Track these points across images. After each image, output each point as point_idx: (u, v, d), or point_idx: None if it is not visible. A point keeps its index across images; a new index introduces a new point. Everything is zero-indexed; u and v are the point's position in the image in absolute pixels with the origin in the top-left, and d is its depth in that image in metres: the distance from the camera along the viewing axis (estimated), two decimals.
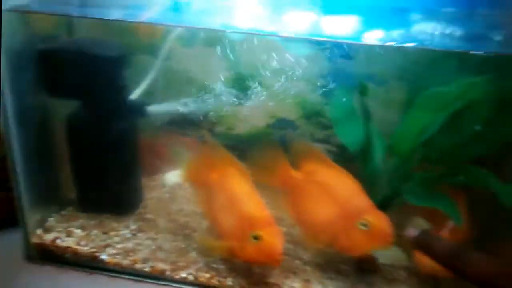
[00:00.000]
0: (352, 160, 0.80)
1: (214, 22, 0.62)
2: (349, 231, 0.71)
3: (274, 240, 0.68)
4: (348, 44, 0.75)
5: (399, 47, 0.56)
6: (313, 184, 0.75)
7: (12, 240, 0.79)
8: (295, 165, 0.78)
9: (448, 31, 0.57)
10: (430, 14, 0.58)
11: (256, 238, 0.68)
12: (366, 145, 0.75)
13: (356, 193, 0.72)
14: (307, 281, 0.75)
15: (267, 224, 0.69)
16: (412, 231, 0.65)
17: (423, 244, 0.64)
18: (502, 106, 0.64)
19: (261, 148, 0.79)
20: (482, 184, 0.70)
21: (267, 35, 0.63)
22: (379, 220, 0.70)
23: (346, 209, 0.72)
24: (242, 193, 0.73)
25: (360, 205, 0.71)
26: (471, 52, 0.55)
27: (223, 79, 0.84)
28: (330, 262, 0.79)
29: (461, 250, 0.60)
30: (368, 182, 0.80)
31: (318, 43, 0.78)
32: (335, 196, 0.73)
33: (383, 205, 0.79)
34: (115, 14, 0.62)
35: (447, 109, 0.64)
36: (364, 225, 0.70)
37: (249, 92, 0.79)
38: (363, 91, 0.72)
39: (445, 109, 0.64)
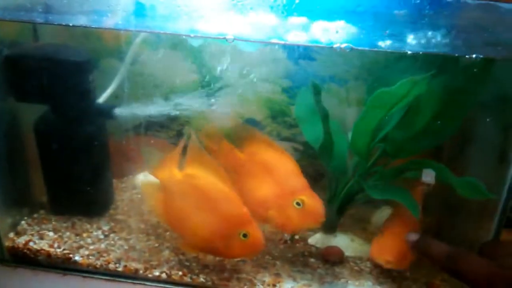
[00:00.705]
0: (316, 157, 0.84)
1: (180, 26, 0.63)
2: (285, 209, 0.74)
3: (259, 235, 0.71)
4: (310, 46, 0.78)
5: (353, 49, 0.59)
6: (255, 163, 0.79)
7: None
8: (240, 147, 0.81)
9: (398, 33, 0.60)
10: (382, 16, 0.60)
11: (244, 235, 0.70)
12: (326, 142, 0.77)
13: (293, 173, 0.76)
14: (277, 275, 0.77)
15: (251, 221, 0.72)
16: (411, 236, 0.69)
17: (422, 248, 0.67)
18: (446, 101, 0.68)
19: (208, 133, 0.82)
20: (438, 177, 0.74)
21: (234, 39, 0.65)
22: (313, 200, 0.74)
23: (283, 188, 0.75)
24: (221, 192, 0.73)
25: (296, 185, 0.75)
26: (409, 52, 0.58)
27: (190, 82, 0.86)
28: (299, 256, 0.82)
29: (459, 254, 0.62)
30: (332, 178, 0.84)
31: (282, 46, 0.81)
32: (274, 175, 0.77)
33: (347, 199, 0.83)
34: (80, 20, 0.63)
35: (395, 106, 0.68)
36: (299, 204, 0.73)
37: (216, 94, 0.81)
38: (316, 90, 0.74)
39: (393, 106, 0.67)
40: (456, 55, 0.65)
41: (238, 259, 0.79)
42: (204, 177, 0.73)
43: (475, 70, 0.66)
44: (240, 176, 0.79)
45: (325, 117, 0.74)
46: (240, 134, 0.81)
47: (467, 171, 0.78)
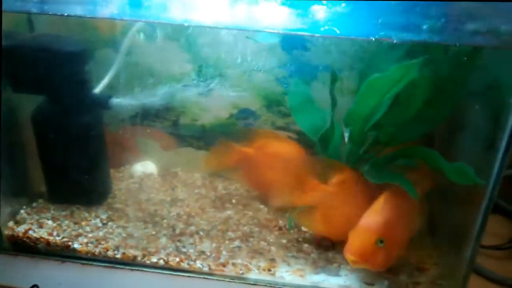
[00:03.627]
0: (310, 145, 0.86)
1: (175, 16, 0.64)
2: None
3: None
4: (304, 36, 0.79)
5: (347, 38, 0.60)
6: (264, 155, 0.87)
7: None
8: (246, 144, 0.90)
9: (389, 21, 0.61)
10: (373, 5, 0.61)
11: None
12: (329, 131, 0.80)
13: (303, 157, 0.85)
14: (272, 260, 0.79)
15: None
16: None
17: None
18: (436, 89, 0.70)
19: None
20: (430, 163, 0.76)
21: (228, 28, 0.66)
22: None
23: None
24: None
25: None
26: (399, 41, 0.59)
27: (185, 71, 0.87)
28: (293, 242, 0.84)
29: None
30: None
31: (276, 35, 0.82)
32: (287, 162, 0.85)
33: None
34: (75, 9, 0.63)
35: (389, 92, 0.69)
36: None
37: (211, 83, 0.82)
38: (334, 79, 0.76)
39: (387, 92, 0.68)
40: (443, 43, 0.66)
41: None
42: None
43: (464, 58, 0.68)
44: (251, 169, 0.89)
45: (333, 106, 0.76)
46: (244, 135, 0.91)
47: (456, 157, 0.80)
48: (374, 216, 0.72)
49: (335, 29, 0.59)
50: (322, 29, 0.59)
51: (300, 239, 0.85)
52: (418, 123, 0.73)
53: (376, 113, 0.72)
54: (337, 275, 0.77)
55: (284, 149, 0.88)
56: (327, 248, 0.83)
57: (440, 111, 0.72)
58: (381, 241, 0.69)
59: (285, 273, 0.77)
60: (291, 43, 0.83)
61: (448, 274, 0.77)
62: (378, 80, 0.67)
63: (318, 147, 0.84)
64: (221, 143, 0.90)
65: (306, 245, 0.84)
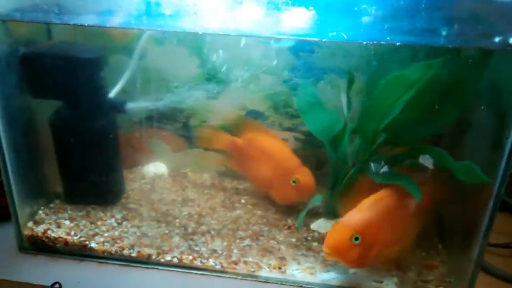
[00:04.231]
0: (318, 146, 0.87)
1: (185, 24, 0.66)
2: (284, 186, 0.90)
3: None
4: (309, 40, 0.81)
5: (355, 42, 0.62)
6: (253, 148, 0.93)
7: (6, 233, 0.84)
8: (237, 134, 0.96)
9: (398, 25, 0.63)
10: (383, 9, 0.63)
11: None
12: (341, 132, 0.82)
13: (288, 156, 0.91)
14: (282, 258, 0.81)
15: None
16: None
17: None
18: (446, 91, 0.71)
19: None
20: (439, 162, 0.77)
21: (236, 35, 0.68)
22: (306, 177, 0.89)
23: (281, 169, 0.91)
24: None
25: (291, 166, 0.90)
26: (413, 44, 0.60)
27: (195, 75, 0.89)
28: (302, 241, 0.85)
29: None
30: (334, 165, 0.88)
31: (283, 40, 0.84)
32: (272, 158, 0.92)
33: (348, 186, 0.86)
34: (91, 19, 0.66)
35: (408, 92, 0.69)
36: (294, 182, 0.89)
37: (220, 86, 0.84)
38: (350, 80, 0.78)
39: (406, 91, 0.69)
40: (450, 46, 0.67)
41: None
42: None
43: (470, 60, 0.69)
44: (240, 158, 0.95)
45: (349, 107, 0.78)
46: (238, 124, 0.95)
47: (463, 156, 0.81)
48: (356, 214, 0.73)
49: (343, 34, 0.61)
50: (330, 34, 0.61)
51: (309, 238, 0.86)
52: (430, 124, 0.74)
53: (391, 113, 0.71)
54: (346, 273, 0.79)
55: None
56: None
57: (452, 111, 0.73)
58: (356, 239, 0.70)
59: (295, 271, 0.79)
60: (300, 46, 0.85)
61: (457, 272, 0.78)
62: (397, 78, 0.67)
63: (328, 147, 0.86)
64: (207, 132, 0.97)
65: (315, 244, 0.85)
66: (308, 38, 0.61)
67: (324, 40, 0.61)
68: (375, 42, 0.63)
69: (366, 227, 0.71)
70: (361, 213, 0.73)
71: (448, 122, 0.75)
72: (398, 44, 0.62)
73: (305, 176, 0.89)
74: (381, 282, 0.77)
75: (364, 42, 0.61)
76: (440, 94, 0.71)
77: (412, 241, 0.79)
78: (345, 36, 0.61)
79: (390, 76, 0.69)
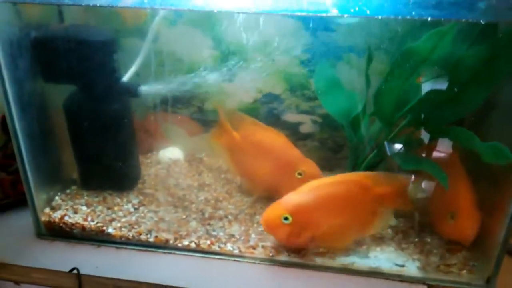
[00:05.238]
0: (336, 129, 0.85)
1: (199, 2, 0.64)
2: (289, 180, 0.84)
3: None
4: (329, 17, 0.78)
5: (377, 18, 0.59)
6: (250, 144, 0.89)
7: (23, 219, 0.84)
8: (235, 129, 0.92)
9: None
10: None
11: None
12: (360, 113, 0.79)
13: (290, 149, 0.87)
14: None
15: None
16: None
17: None
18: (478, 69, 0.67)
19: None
20: (465, 144, 0.74)
21: (252, 13, 0.65)
22: (311, 168, 0.86)
23: (284, 163, 0.86)
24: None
25: (295, 159, 0.86)
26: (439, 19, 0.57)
27: (209, 58, 0.87)
28: None
29: None
30: (353, 149, 0.86)
31: (300, 18, 0.81)
32: (273, 153, 0.88)
33: (369, 170, 0.85)
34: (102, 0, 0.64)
35: (423, 65, 0.67)
36: (300, 174, 0.85)
37: (235, 69, 0.82)
38: (369, 59, 0.75)
39: (421, 63, 0.67)
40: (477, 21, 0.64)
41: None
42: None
43: (500, 35, 0.66)
44: (236, 154, 0.90)
45: (368, 87, 0.75)
46: (232, 119, 0.91)
47: (490, 137, 0.78)
48: (293, 195, 0.76)
49: (365, 9, 0.58)
50: (352, 10, 0.58)
51: None
52: (459, 105, 0.71)
53: (411, 92, 0.69)
54: (366, 257, 0.78)
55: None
56: None
57: (483, 91, 0.70)
58: (286, 218, 0.74)
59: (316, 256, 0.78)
60: (315, 25, 0.82)
61: (481, 256, 0.76)
62: (411, 50, 0.65)
63: (347, 130, 0.83)
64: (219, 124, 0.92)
65: None
66: (329, 14, 0.58)
67: (345, 15, 0.58)
68: (399, 17, 0.59)
69: (298, 209, 0.74)
70: (297, 195, 0.76)
71: (478, 102, 0.72)
72: (425, 18, 0.59)
73: (310, 167, 0.86)
74: (403, 266, 0.76)
75: (391, 17, 0.57)
76: (471, 73, 0.68)
77: (358, 234, 0.79)
78: (368, 12, 0.58)
79: (404, 48, 0.67)
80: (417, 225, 0.84)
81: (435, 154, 0.83)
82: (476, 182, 0.79)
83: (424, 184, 0.87)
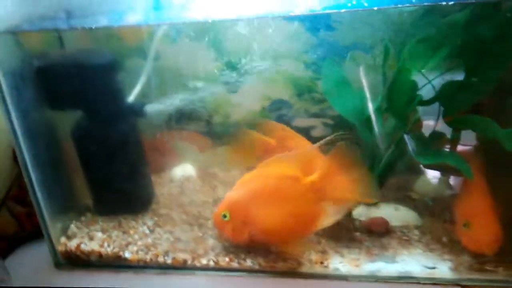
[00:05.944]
0: (348, 128, 0.82)
1: (197, 15, 0.63)
2: None
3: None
4: (327, 15, 0.75)
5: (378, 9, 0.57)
6: (284, 148, 0.84)
7: (41, 250, 0.83)
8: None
9: None
10: None
11: None
12: (376, 112, 0.77)
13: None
14: (323, 252, 0.77)
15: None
16: None
17: None
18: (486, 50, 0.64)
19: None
20: (483, 131, 0.70)
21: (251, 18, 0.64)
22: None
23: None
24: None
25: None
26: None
27: (213, 70, 0.85)
28: (343, 232, 0.81)
29: None
30: (370, 148, 0.82)
31: (300, 18, 0.79)
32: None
33: (387, 168, 0.81)
34: (101, 21, 0.64)
35: (436, 55, 0.65)
36: None
37: (239, 78, 0.81)
38: (386, 53, 0.73)
39: (431, 56, 0.65)
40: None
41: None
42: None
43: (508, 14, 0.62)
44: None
45: (384, 83, 0.73)
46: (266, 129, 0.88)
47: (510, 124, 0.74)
48: (232, 191, 0.75)
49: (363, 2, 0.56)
50: (349, 4, 0.56)
51: (351, 227, 0.82)
52: (470, 90, 0.67)
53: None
54: (394, 261, 0.74)
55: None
56: (380, 234, 0.80)
57: (494, 72, 0.67)
58: (224, 216, 0.74)
59: (339, 264, 0.74)
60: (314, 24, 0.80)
61: None
62: (421, 43, 0.62)
63: (361, 129, 0.80)
64: (243, 133, 0.88)
65: (357, 234, 0.81)
66: (327, 11, 0.56)
67: (343, 10, 0.55)
68: (399, 6, 0.57)
69: (233, 205, 0.73)
70: (234, 191, 0.75)
71: (491, 84, 0.68)
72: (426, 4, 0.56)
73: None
74: (434, 268, 0.72)
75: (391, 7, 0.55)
76: (481, 54, 0.65)
77: (304, 229, 0.74)
78: (366, 4, 0.56)
79: (411, 43, 0.64)
80: (443, 223, 0.80)
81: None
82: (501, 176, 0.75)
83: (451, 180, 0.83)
